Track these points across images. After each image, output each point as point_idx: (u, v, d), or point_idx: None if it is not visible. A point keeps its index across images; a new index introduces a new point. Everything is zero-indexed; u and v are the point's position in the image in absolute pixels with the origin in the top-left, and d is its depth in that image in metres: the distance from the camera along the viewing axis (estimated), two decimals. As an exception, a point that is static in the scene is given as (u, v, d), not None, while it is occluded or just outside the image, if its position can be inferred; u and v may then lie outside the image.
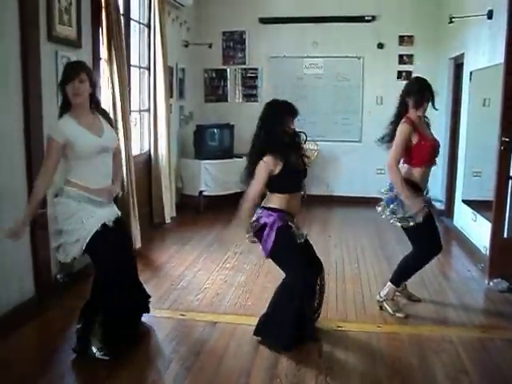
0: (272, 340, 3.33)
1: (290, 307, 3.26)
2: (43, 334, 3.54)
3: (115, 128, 3.30)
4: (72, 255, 3.05)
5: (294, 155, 3.32)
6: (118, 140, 3.53)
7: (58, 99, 3.96)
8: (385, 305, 3.92)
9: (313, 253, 3.47)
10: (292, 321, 3.28)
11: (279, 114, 3.28)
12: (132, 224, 5.13)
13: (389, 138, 3.84)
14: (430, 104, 3.76)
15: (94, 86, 3.10)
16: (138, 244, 5.25)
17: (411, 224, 3.68)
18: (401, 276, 3.97)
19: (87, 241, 3.00)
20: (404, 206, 3.67)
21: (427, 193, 3.88)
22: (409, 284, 4.15)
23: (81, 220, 3.00)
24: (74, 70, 3.02)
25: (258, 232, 3.30)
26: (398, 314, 3.83)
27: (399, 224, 3.74)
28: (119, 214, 3.28)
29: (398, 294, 4.04)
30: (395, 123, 3.80)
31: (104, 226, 3.05)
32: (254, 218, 3.33)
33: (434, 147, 3.79)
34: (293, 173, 3.29)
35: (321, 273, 3.45)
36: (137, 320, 3.53)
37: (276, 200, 3.30)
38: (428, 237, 3.81)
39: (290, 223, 3.28)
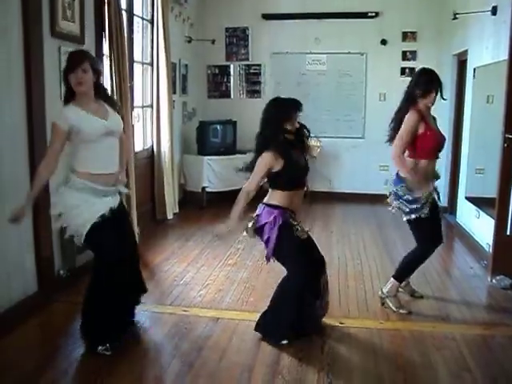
0: (267, 335, 3.36)
1: (289, 305, 3.29)
2: (46, 328, 3.55)
3: (119, 113, 3.27)
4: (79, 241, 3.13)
5: (296, 152, 3.31)
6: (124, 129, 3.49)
7: (60, 93, 3.99)
8: (387, 301, 3.91)
9: (316, 250, 3.45)
10: (289, 319, 3.30)
11: (281, 111, 3.27)
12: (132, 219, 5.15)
13: (396, 133, 3.79)
14: (439, 97, 3.74)
15: (97, 74, 3.10)
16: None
17: (413, 217, 3.69)
18: (404, 272, 3.96)
19: (85, 233, 3.02)
20: (410, 198, 3.68)
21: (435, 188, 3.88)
22: (411, 281, 4.15)
23: (80, 213, 3.02)
24: (76, 60, 3.01)
25: (259, 230, 3.31)
26: (400, 311, 3.82)
27: (404, 218, 3.76)
28: (121, 201, 3.29)
29: (400, 290, 4.03)
30: (400, 117, 3.74)
31: (103, 216, 3.05)
32: (255, 214, 3.34)
33: (440, 139, 3.77)
34: (295, 170, 3.28)
35: (324, 271, 3.43)
36: (130, 314, 3.49)
37: (277, 197, 3.29)
38: (430, 230, 3.80)
39: (291, 220, 3.27)
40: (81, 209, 3.01)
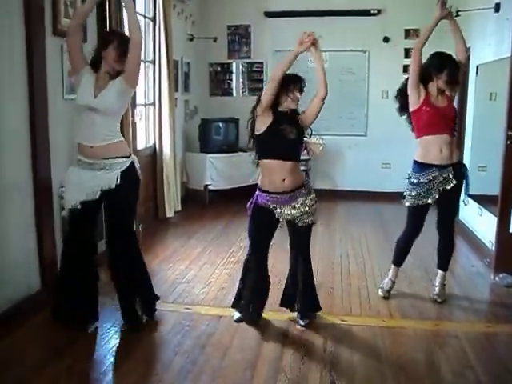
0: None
1: (245, 280, 3.61)
2: (49, 326, 3.55)
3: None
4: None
5: (288, 124, 3.39)
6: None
7: (63, 92, 4.00)
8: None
9: (295, 242, 3.54)
10: (247, 294, 3.58)
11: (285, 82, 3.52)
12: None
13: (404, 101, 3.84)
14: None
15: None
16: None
17: (407, 204, 3.84)
18: (394, 255, 4.10)
19: (67, 209, 3.33)
20: (414, 181, 3.78)
21: (447, 173, 3.85)
22: (414, 278, 4.14)
23: (72, 190, 3.28)
24: (121, 46, 3.23)
25: None
26: (380, 292, 4.03)
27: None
28: (110, 184, 3.23)
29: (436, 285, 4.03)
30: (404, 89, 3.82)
31: (86, 201, 3.25)
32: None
33: (438, 114, 3.71)
34: (277, 136, 3.33)
35: (297, 267, 3.57)
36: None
37: (260, 174, 3.44)
38: (408, 219, 3.94)
39: (265, 201, 3.36)
40: (72, 186, 3.27)
